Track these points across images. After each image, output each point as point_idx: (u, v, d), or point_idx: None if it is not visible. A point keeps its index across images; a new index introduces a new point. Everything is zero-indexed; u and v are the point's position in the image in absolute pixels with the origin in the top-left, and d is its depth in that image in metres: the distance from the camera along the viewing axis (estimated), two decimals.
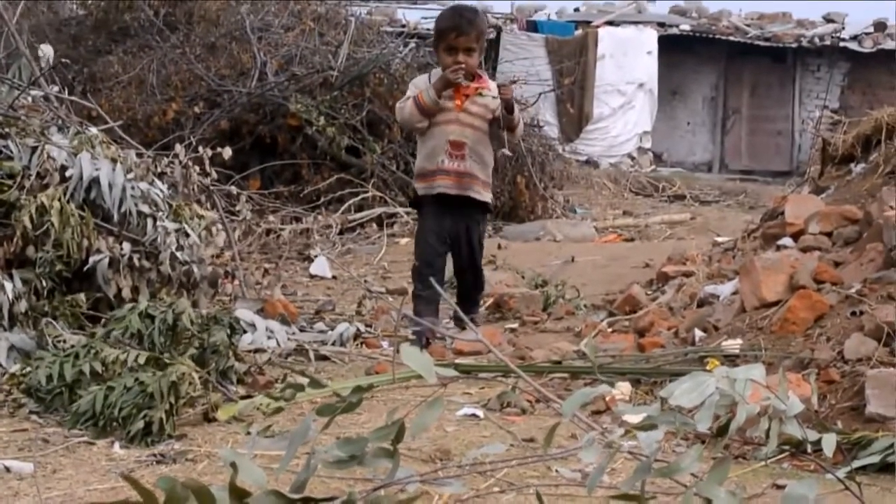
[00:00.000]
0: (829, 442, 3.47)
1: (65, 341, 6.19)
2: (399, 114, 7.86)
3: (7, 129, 7.21)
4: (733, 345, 6.41)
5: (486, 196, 7.76)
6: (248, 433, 5.13)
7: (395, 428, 3.23)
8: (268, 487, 3.12)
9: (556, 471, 4.52)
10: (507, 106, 7.55)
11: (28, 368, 5.95)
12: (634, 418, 3.75)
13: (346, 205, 12.17)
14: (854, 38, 28.96)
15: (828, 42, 29.04)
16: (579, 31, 27.55)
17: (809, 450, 4.24)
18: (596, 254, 11.11)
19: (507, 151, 7.92)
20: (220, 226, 8.06)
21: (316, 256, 10.42)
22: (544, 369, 6.59)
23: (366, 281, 9.65)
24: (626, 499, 3.29)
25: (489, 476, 4.41)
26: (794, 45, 29.15)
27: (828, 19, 29.92)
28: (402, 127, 10.38)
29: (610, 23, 27.87)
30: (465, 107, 7.55)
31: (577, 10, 29.51)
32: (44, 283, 6.61)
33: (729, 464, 3.26)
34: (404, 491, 3.29)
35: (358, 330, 7.61)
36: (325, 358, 6.96)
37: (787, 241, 7.53)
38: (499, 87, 7.76)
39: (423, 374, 3.40)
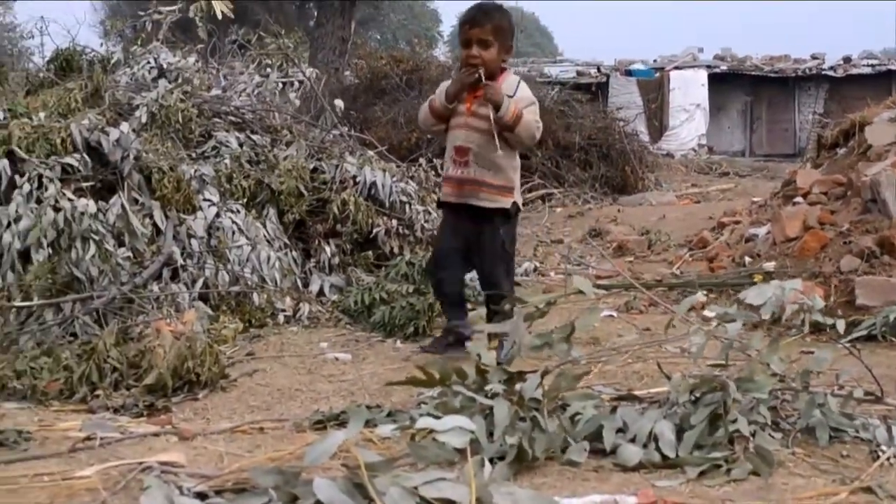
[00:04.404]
0: (841, 324, 3.41)
1: (363, 280, 6.29)
2: (419, 117, 4.98)
3: (321, 155, 7.32)
4: (770, 266, 6.31)
5: (499, 202, 4.62)
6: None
7: (570, 327, 3.23)
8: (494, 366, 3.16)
9: (666, 348, 4.49)
10: (495, 105, 4.48)
11: (342, 297, 6.07)
12: (713, 314, 3.72)
13: (521, 189, 12.16)
14: (831, 68, 28.15)
15: (815, 71, 28.20)
16: (658, 74, 27.07)
17: (828, 329, 4.17)
18: (678, 212, 10.94)
19: (499, 152, 4.47)
20: None
21: None
22: (652, 285, 6.54)
23: (537, 235, 9.62)
24: (716, 366, 3.27)
25: (624, 352, 4.39)
26: (794, 75, 28.32)
27: (814, 57, 29.07)
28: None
29: (677, 67, 27.31)
30: (474, 109, 4.58)
31: (655, 60, 28.90)
32: (347, 246, 6.71)
33: (779, 341, 3.22)
34: (577, 365, 3.30)
35: (535, 266, 7.61)
36: (517, 284, 6.90)
37: (799, 199, 7.37)
38: (483, 86, 4.55)
39: (584, 292, 3.41)
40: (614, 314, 5.77)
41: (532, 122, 4.58)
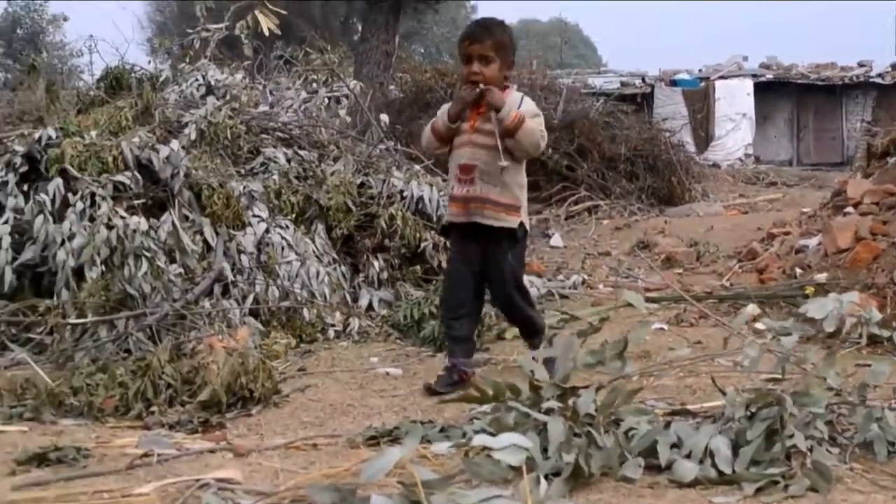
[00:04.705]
0: None
1: (412, 294, 6.30)
2: (422, 141, 4.91)
3: (368, 170, 7.36)
4: (821, 278, 6.25)
5: (506, 220, 4.46)
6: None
7: (623, 342, 3.23)
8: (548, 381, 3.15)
9: (719, 362, 4.45)
10: (496, 109, 4.37)
11: (391, 312, 6.08)
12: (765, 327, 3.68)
13: (567, 202, 12.15)
14: (879, 75, 27.87)
15: (862, 79, 27.94)
16: (703, 84, 26.94)
17: (885, 342, 4.13)
18: (725, 223, 10.83)
19: (502, 162, 4.37)
20: None
21: (553, 234, 10.41)
22: (703, 297, 6.47)
23: (584, 248, 9.59)
24: (771, 380, 3.24)
25: (676, 367, 4.36)
26: (840, 83, 28.08)
27: (861, 64, 28.77)
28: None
29: (722, 77, 27.17)
30: (477, 126, 4.46)
31: (700, 70, 28.75)
32: (396, 261, 6.72)
33: (836, 355, 3.19)
34: (629, 380, 3.29)
35: (583, 278, 7.58)
36: (565, 297, 6.94)
37: (850, 209, 7.30)
38: (485, 90, 4.39)
39: (636, 306, 3.40)
40: (665, 327, 5.73)
41: (535, 128, 4.42)
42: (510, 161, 4.41)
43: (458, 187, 4.49)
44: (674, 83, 27.44)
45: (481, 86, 4.39)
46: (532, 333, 4.68)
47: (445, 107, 4.61)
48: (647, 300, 6.20)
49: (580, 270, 8.05)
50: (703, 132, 25.74)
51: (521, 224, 4.52)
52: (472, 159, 4.45)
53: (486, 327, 5.43)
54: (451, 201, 4.57)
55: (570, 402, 3.00)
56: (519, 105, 4.44)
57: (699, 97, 26.52)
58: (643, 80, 27.64)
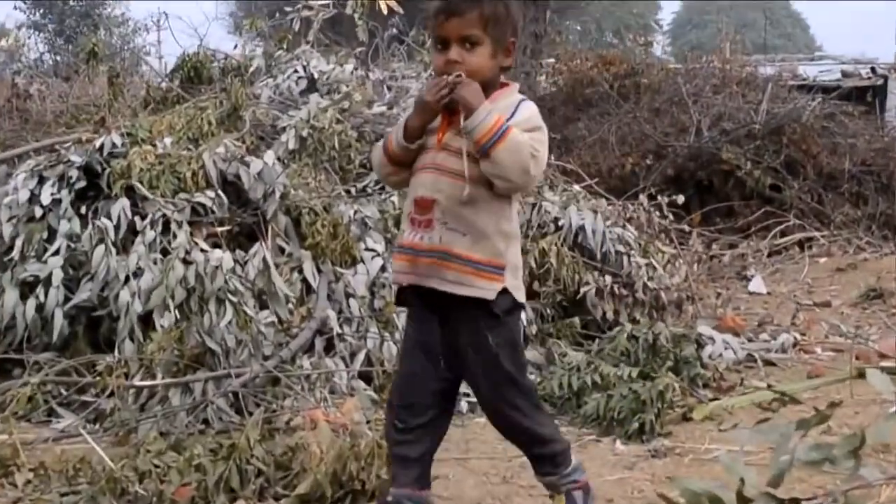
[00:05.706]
0: None
1: (568, 357, 6.25)
2: (371, 162, 4.44)
3: None
4: None
5: (478, 287, 3.59)
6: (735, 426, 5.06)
7: (860, 438, 3.13)
8: (760, 489, 3.07)
9: None
10: (466, 110, 3.52)
11: (542, 378, 6.05)
12: None
13: (772, 232, 11.92)
14: None
15: None
16: None
17: None
18: None
19: (465, 192, 3.53)
20: (680, 260, 7.99)
21: (752, 276, 10.22)
22: None
23: (795, 295, 9.40)
24: None
25: None
26: None
27: None
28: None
29: None
30: (446, 142, 3.63)
31: None
32: (548, 311, 6.71)
33: None
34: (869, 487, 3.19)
35: (795, 338, 7.42)
36: (771, 363, 6.79)
37: None
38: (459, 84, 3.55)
39: (884, 392, 3.29)
40: None
41: (525, 144, 3.52)
42: (488, 197, 3.62)
43: (410, 231, 3.68)
44: None
45: (453, 76, 3.59)
46: (544, 458, 3.86)
47: (406, 116, 3.84)
48: (882, 370, 6.02)
49: (790, 327, 7.87)
50: None
51: (506, 292, 3.66)
52: (433, 191, 3.63)
53: (667, 404, 5.35)
54: (397, 253, 3.82)
55: None
56: (513, 112, 3.64)
57: None
58: (873, 70, 27.06)
